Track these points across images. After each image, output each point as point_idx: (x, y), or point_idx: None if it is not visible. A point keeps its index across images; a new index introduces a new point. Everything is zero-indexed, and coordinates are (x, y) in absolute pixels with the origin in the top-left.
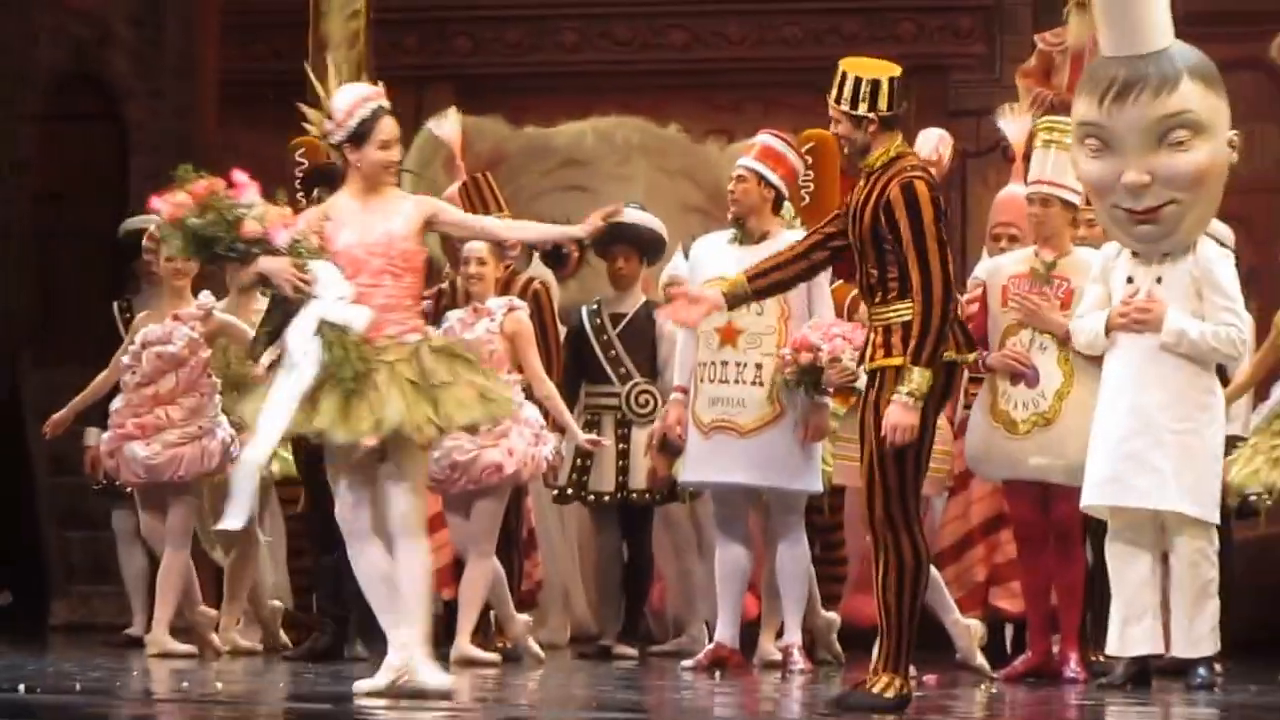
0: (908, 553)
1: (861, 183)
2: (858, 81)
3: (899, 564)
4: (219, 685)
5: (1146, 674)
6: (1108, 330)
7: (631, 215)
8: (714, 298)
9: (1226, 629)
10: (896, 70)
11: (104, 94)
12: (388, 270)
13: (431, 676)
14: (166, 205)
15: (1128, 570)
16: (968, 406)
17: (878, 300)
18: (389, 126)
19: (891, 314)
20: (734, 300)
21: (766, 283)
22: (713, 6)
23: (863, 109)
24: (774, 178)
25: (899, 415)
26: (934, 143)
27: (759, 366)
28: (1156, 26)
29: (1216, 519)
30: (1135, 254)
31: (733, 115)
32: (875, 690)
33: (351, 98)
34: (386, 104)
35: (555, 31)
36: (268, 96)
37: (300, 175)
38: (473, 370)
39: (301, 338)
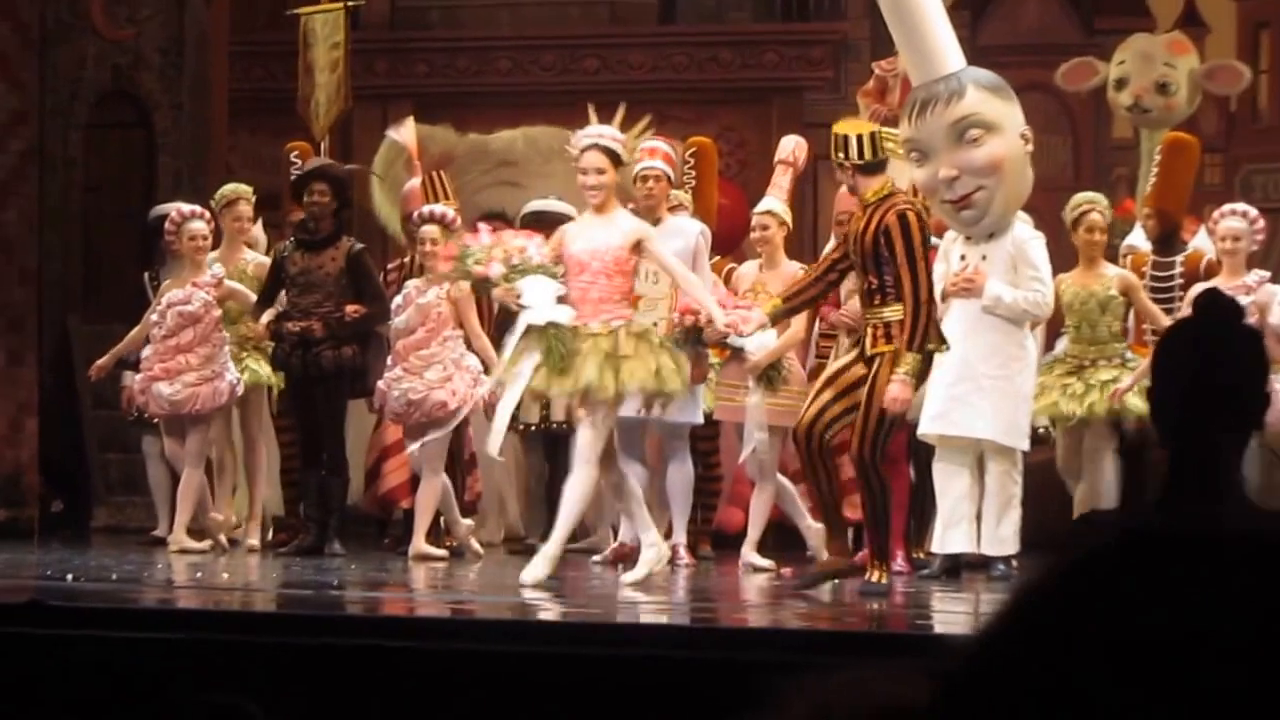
0: (876, 482)
1: (859, 213)
2: (838, 138)
3: (881, 489)
4: (226, 575)
5: (959, 568)
6: (944, 297)
7: (553, 204)
8: (760, 318)
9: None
10: (871, 128)
11: (137, 107)
12: (603, 272)
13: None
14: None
15: (950, 486)
16: (820, 356)
17: (875, 303)
18: (588, 158)
19: (888, 313)
20: (776, 318)
21: (799, 301)
22: (618, 39)
23: (840, 158)
24: (672, 174)
25: (899, 390)
26: (791, 147)
27: (655, 325)
28: (944, 55)
29: (1024, 446)
30: (967, 237)
31: (633, 125)
32: (873, 579)
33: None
34: (596, 139)
35: (494, 59)
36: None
37: (295, 172)
38: (656, 352)
39: (518, 339)
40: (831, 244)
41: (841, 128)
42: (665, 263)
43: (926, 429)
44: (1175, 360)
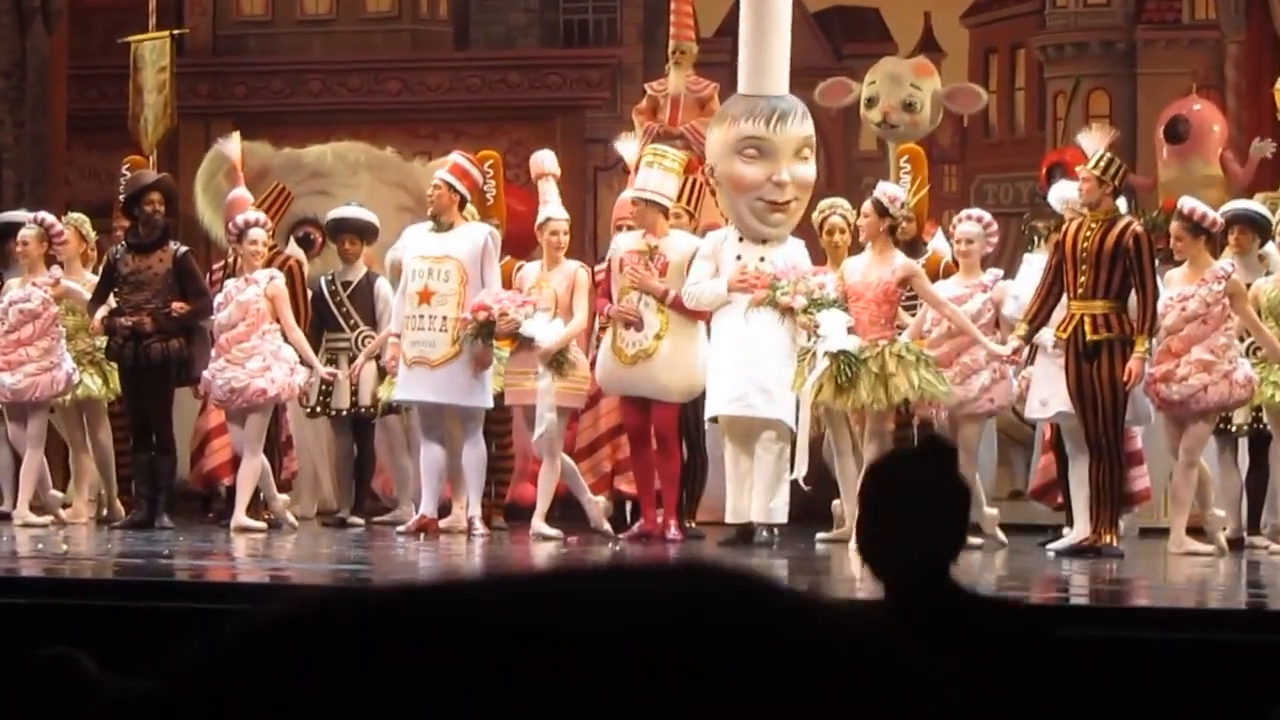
0: (1117, 456)
1: (1091, 224)
2: (1109, 160)
3: (1121, 464)
4: (64, 547)
5: (750, 535)
6: (729, 290)
7: (354, 212)
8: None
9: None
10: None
11: None
12: (873, 301)
13: None
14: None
15: (737, 462)
16: (598, 345)
17: (1100, 297)
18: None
19: (1102, 305)
20: (1028, 338)
21: (1043, 314)
22: (418, 63)
23: (1106, 177)
24: (460, 186)
25: (1139, 366)
26: (544, 161)
27: (445, 319)
28: (782, 75)
29: (789, 425)
30: (741, 239)
31: (431, 141)
32: (1104, 542)
33: None
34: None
35: (306, 81)
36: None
37: (124, 185)
38: (913, 367)
39: (820, 364)
40: (611, 246)
41: (1107, 150)
42: (927, 291)
43: (722, 410)
44: (889, 491)
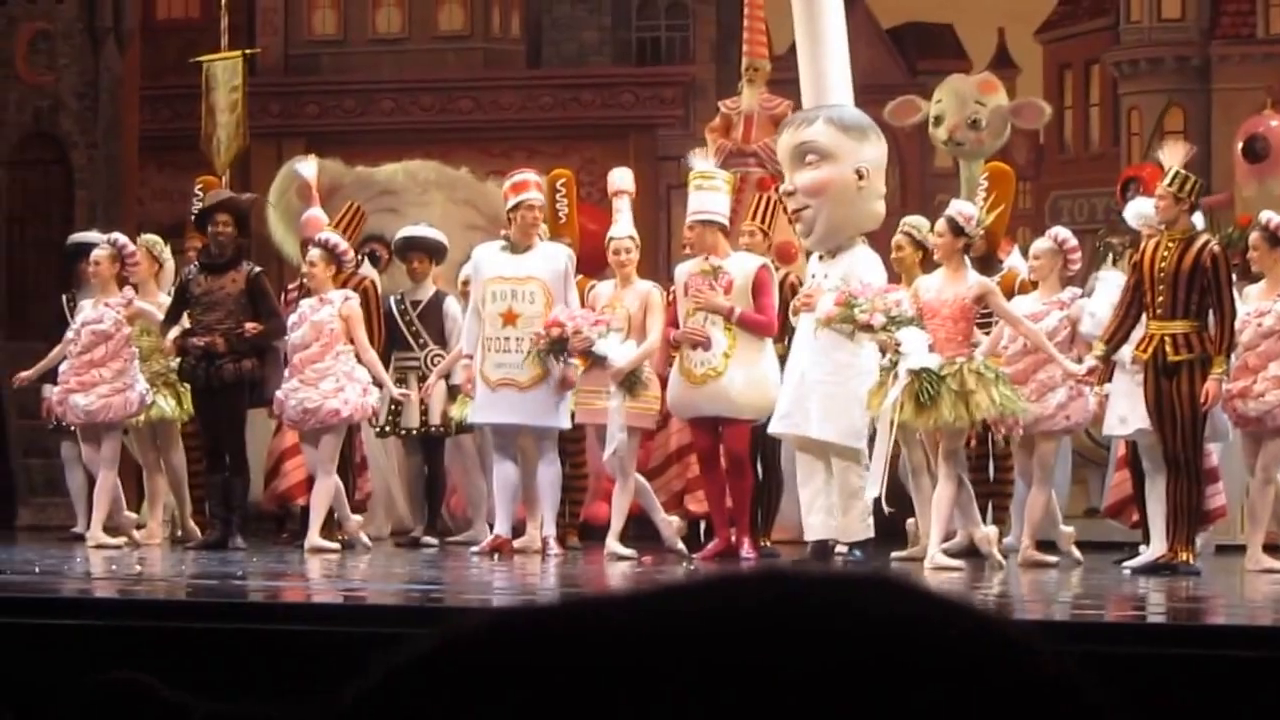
0: (1196, 474)
1: (1168, 243)
2: (1185, 177)
3: (1200, 480)
4: (138, 568)
5: (827, 553)
6: (793, 311)
7: (424, 231)
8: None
9: None
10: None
11: (57, 145)
12: (949, 318)
13: None
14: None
15: (810, 478)
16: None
17: (1179, 318)
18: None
19: (1180, 326)
20: (1106, 358)
21: (1120, 334)
22: (490, 82)
23: (1182, 194)
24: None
25: (1215, 388)
26: (620, 179)
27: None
28: (830, 87)
29: (859, 445)
30: (819, 256)
31: (504, 160)
32: (1181, 559)
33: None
34: None
35: (377, 100)
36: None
37: (198, 205)
38: (992, 384)
39: (901, 382)
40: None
41: (1182, 168)
42: (1003, 309)
43: (774, 429)
44: None
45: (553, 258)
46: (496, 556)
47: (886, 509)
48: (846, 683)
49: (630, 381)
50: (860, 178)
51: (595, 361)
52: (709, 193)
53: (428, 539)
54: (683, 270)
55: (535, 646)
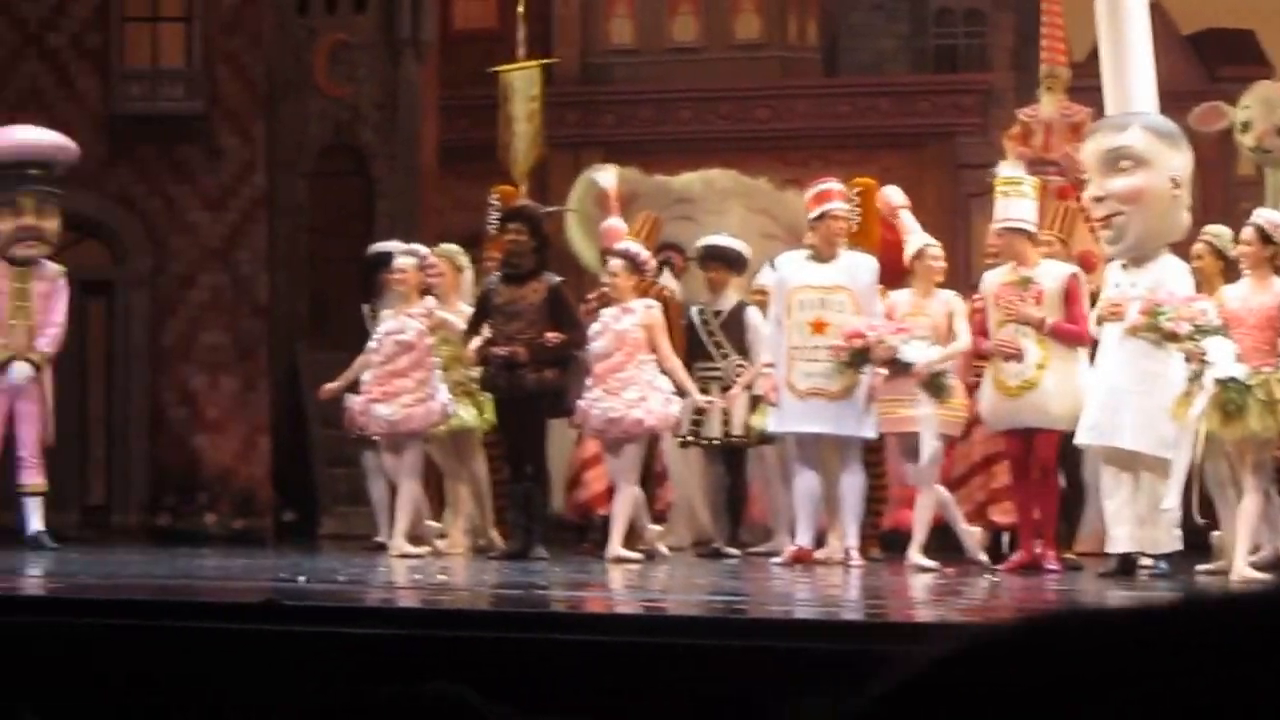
0: None
1: None
2: None
3: None
4: (441, 577)
5: (1131, 566)
6: (1099, 320)
7: (726, 241)
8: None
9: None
10: None
11: (356, 157)
12: (1255, 327)
13: None
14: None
15: (1116, 490)
16: (975, 376)
17: None
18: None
19: None
20: None
21: None
22: (787, 90)
23: None
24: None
25: None
26: (894, 196)
27: (826, 350)
28: (1135, 94)
29: (1169, 455)
30: (1123, 265)
31: (801, 169)
32: None
33: None
34: None
35: (675, 109)
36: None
37: (495, 214)
38: None
39: (1206, 392)
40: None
41: None
42: None
43: (1081, 439)
44: None
45: (859, 267)
46: (798, 567)
47: (1199, 519)
48: None
49: (936, 385)
50: (1175, 186)
51: (898, 369)
52: (1016, 199)
53: (729, 550)
54: (991, 280)
55: (1096, 656)
